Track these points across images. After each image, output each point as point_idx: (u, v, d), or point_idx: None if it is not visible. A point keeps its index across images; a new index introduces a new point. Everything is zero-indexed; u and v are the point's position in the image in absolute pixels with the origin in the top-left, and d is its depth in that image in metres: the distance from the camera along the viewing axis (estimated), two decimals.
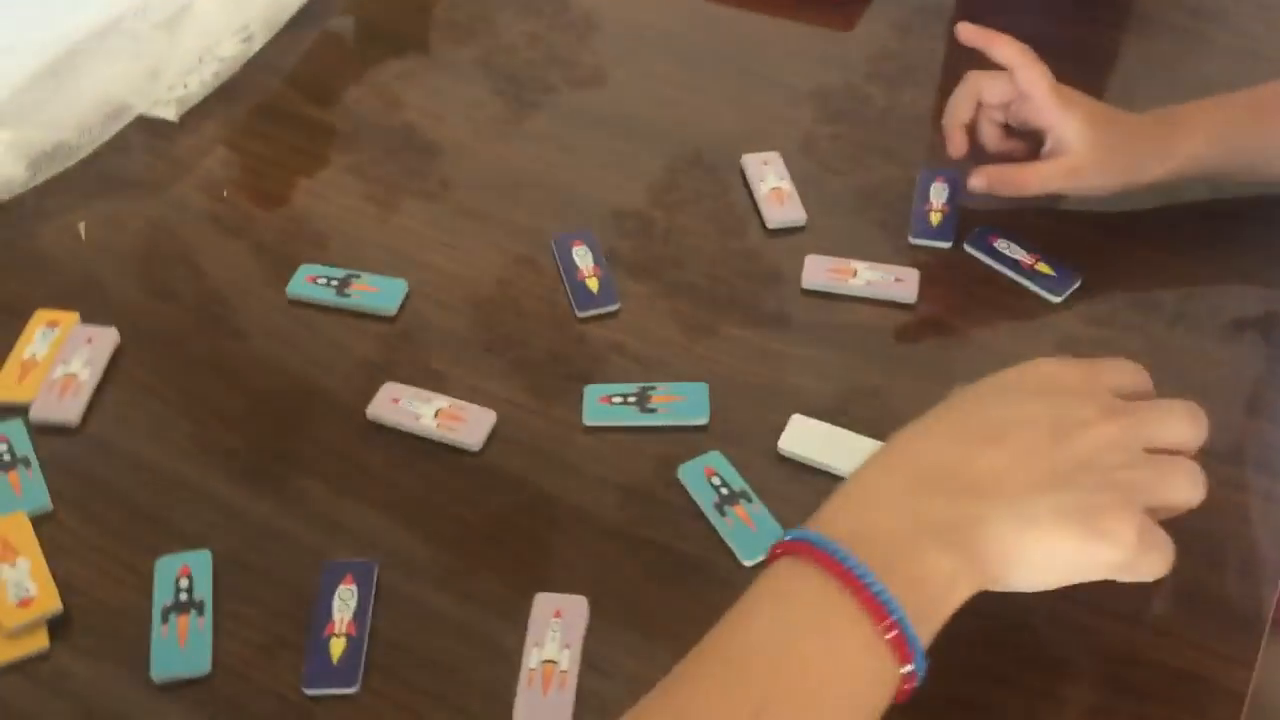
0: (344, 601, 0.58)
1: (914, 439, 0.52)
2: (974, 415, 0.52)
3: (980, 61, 0.75)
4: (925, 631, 0.46)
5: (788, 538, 0.48)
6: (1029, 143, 0.76)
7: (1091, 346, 0.69)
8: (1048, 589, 0.50)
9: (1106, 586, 0.50)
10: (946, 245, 0.75)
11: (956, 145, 0.76)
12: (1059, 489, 0.48)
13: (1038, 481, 0.49)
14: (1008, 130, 0.77)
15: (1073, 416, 0.50)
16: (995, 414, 0.51)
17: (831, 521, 0.49)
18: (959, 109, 0.76)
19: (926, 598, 0.46)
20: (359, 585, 0.59)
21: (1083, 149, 0.71)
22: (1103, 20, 0.94)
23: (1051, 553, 0.48)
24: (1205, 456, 0.53)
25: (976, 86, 0.75)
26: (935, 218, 0.76)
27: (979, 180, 0.74)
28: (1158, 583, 0.50)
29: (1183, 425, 0.52)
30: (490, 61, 0.91)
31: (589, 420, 0.66)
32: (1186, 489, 0.51)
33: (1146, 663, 0.56)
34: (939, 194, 0.78)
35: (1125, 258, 0.75)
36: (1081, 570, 0.49)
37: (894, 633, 0.44)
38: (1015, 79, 0.73)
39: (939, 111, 0.78)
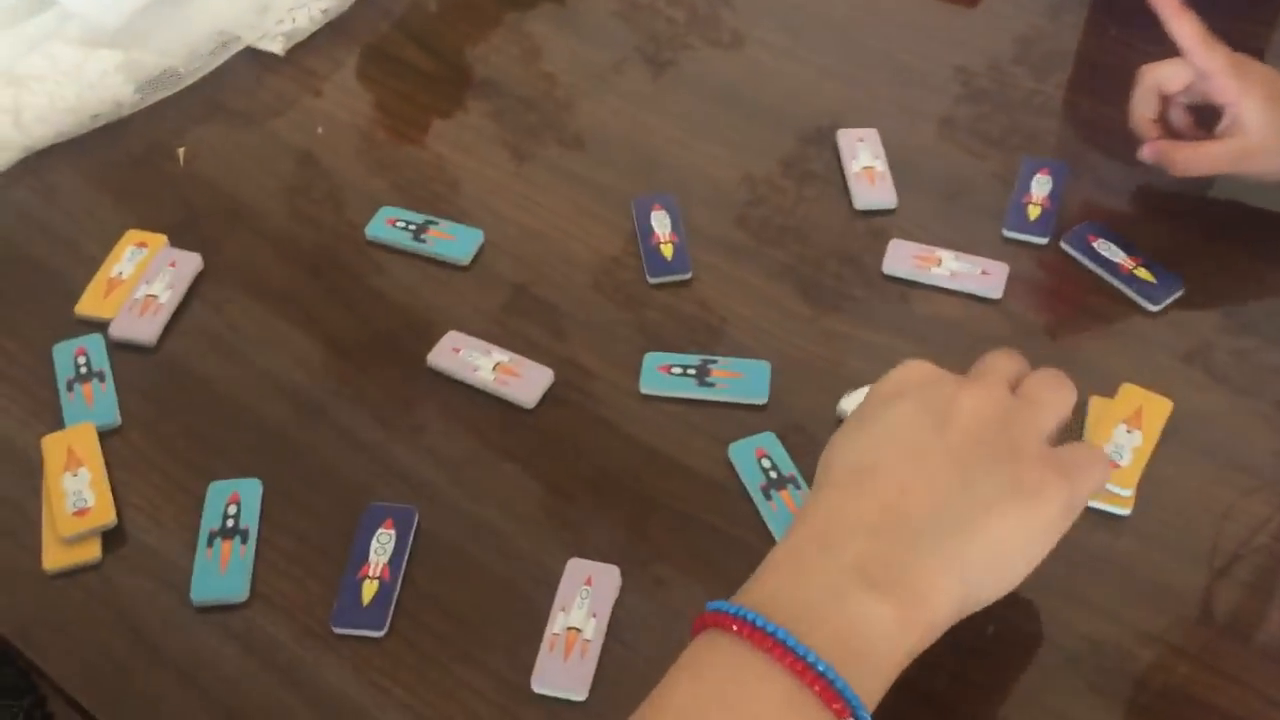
0: (381, 545, 0.59)
1: (818, 496, 0.49)
2: (857, 445, 0.50)
3: (1108, 50, 0.71)
4: (870, 678, 0.43)
5: (707, 608, 0.46)
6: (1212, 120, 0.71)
7: (1182, 362, 0.65)
8: (1019, 579, 0.48)
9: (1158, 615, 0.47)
10: (1042, 241, 0.72)
11: (1145, 155, 0.71)
12: (967, 481, 0.47)
13: (943, 485, 0.47)
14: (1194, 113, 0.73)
15: (940, 396, 0.50)
16: (875, 432, 0.50)
17: (747, 591, 0.46)
18: (1144, 106, 0.72)
19: (861, 646, 0.43)
20: (398, 530, 0.59)
21: (1259, 130, 0.67)
22: (1253, 16, 0.88)
23: (994, 548, 0.46)
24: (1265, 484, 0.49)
25: (1154, 80, 0.71)
26: (1034, 211, 0.73)
27: (1149, 152, 0.71)
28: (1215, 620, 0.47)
29: (1019, 362, 0.53)
30: (608, 15, 0.90)
31: (645, 388, 0.65)
32: (1062, 400, 0.51)
33: (1194, 701, 0.53)
34: (1041, 186, 0.74)
35: (1236, 269, 0.70)
36: (1035, 544, 0.48)
37: (819, 685, 0.42)
38: (1192, 59, 0.69)
39: (1068, 101, 0.74)
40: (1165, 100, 0.72)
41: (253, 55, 0.86)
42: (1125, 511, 0.59)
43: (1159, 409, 0.62)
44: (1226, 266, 0.70)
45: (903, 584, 0.45)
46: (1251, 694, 0.53)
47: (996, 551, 0.46)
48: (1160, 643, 0.55)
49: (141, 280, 0.71)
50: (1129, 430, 0.61)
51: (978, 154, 0.78)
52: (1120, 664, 0.54)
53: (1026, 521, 0.47)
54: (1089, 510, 0.59)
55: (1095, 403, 0.63)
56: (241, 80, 0.85)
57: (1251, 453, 0.61)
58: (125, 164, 0.80)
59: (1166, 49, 0.70)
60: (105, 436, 0.64)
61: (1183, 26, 0.68)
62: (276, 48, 0.86)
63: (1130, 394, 0.63)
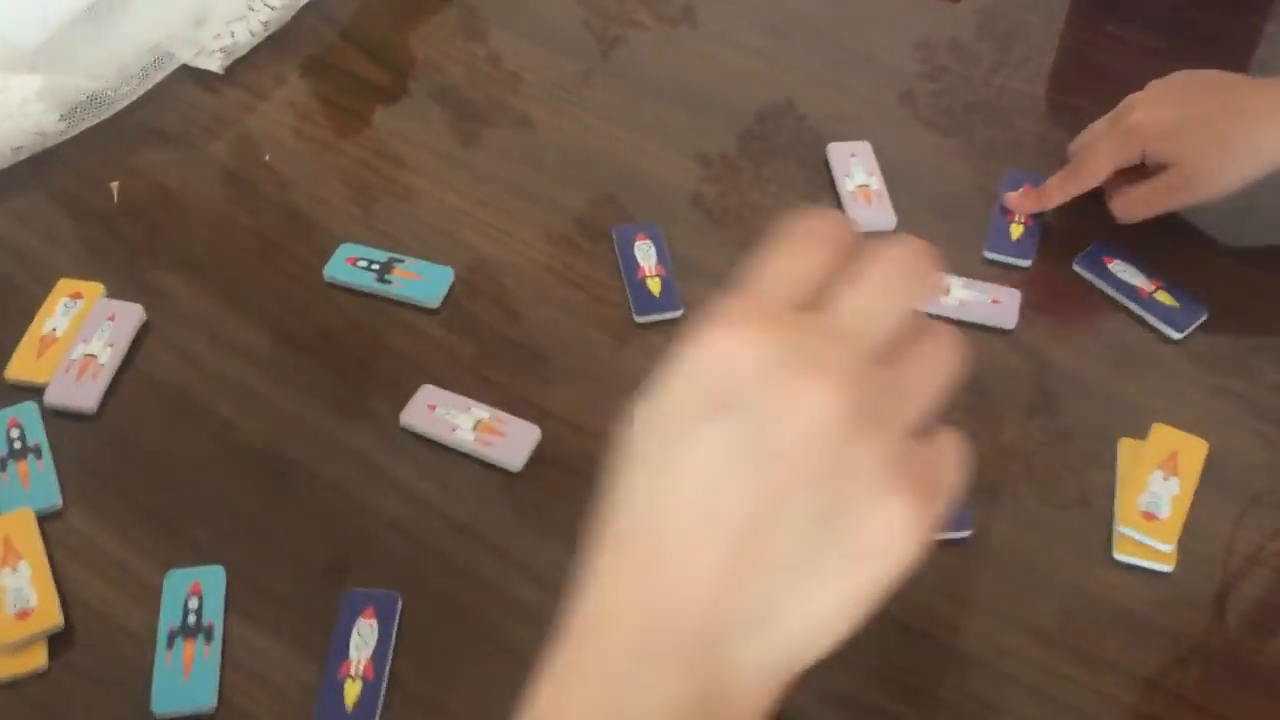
0: (363, 638, 0.53)
1: (590, 573, 0.36)
2: (637, 499, 0.35)
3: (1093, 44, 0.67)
4: None
5: None
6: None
7: (1211, 396, 0.62)
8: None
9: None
10: (1025, 264, 0.67)
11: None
12: (789, 549, 0.32)
13: (757, 560, 0.32)
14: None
15: (764, 417, 0.32)
16: (664, 480, 0.34)
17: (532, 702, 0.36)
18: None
19: None
20: (380, 620, 0.54)
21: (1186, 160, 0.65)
22: (1246, 7, 0.84)
23: (820, 628, 0.33)
24: None
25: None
26: (1016, 231, 0.68)
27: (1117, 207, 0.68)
28: None
29: (904, 284, 0.35)
30: (562, 21, 0.84)
31: None
32: (941, 374, 0.35)
33: None
34: None
35: (1260, 291, 0.66)
36: (870, 603, 0.33)
37: None
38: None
39: (1055, 101, 0.70)
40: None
41: (188, 74, 0.79)
42: (1168, 569, 0.55)
43: (1195, 451, 0.58)
44: (1250, 288, 0.67)
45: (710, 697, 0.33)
46: None
47: (824, 630, 0.33)
48: (1212, 715, 0.51)
49: (78, 338, 0.64)
50: (1165, 478, 0.57)
51: (971, 164, 0.73)
52: None
53: (864, 589, 0.33)
54: (1127, 569, 0.55)
55: (1125, 445, 0.59)
56: (177, 102, 0.78)
57: None
58: (53, 202, 0.72)
59: (1154, 41, 0.66)
60: (45, 520, 0.58)
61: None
62: (215, 65, 0.78)
63: (1163, 435, 0.59)
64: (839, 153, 0.73)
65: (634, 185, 0.73)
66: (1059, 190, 0.68)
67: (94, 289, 0.66)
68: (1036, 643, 0.53)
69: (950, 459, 0.34)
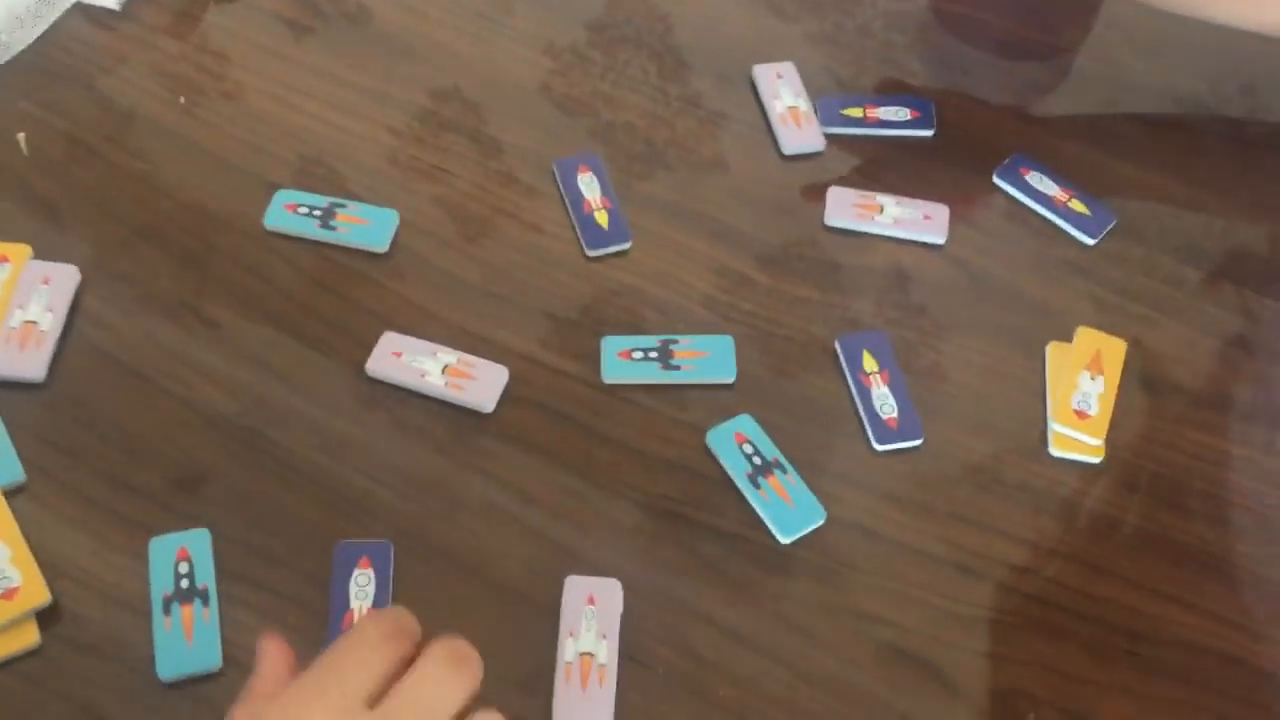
0: (361, 587, 0.55)
1: None
2: None
3: None
4: None
5: None
6: None
7: (1125, 298, 0.67)
8: None
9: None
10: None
11: None
12: None
13: None
14: None
15: None
16: None
17: None
18: None
19: None
20: (376, 568, 0.55)
21: None
22: None
23: None
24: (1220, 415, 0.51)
25: None
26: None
27: None
28: None
29: (448, 685, 0.42)
30: None
31: (609, 377, 0.62)
32: (456, 689, 0.42)
33: (1186, 644, 0.56)
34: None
35: (1165, 196, 0.72)
36: None
37: None
38: None
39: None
40: None
41: (83, 12, 0.75)
42: (1097, 460, 0.60)
43: (1115, 350, 0.63)
44: (1155, 192, 0.72)
45: None
46: (1231, 628, 0.56)
47: None
48: (1141, 588, 0.57)
49: (14, 304, 0.62)
50: (1092, 377, 0.62)
51: (892, 82, 0.76)
52: (1104, 612, 0.56)
53: None
54: (1063, 463, 0.60)
55: (1053, 349, 0.64)
56: (75, 44, 0.74)
57: (1208, 386, 0.63)
58: None
59: None
60: (10, 496, 0.56)
61: None
62: (112, 3, 0.75)
63: (1086, 338, 0.63)
64: (765, 75, 0.75)
65: (565, 116, 0.73)
66: None
67: (21, 251, 0.64)
68: (985, 533, 0.58)
69: (429, 687, 0.41)
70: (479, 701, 0.42)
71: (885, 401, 0.61)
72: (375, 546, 0.56)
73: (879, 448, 0.60)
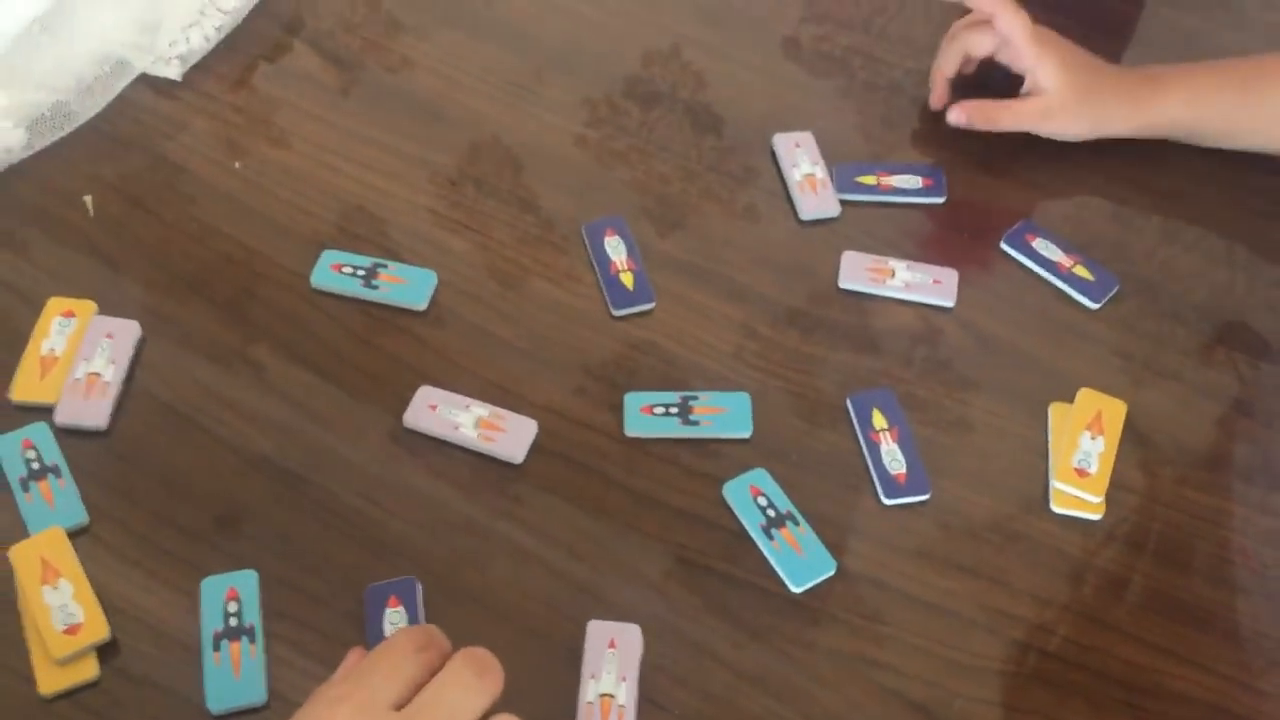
0: (394, 625, 0.58)
1: None
2: None
3: None
4: None
5: None
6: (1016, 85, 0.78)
7: (1127, 360, 0.70)
8: None
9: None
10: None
11: (939, 97, 0.79)
12: None
13: None
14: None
15: None
16: None
17: None
18: (945, 64, 0.79)
19: None
20: (405, 604, 0.59)
21: (1055, 91, 0.75)
22: None
23: None
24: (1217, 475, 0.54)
25: (963, 43, 0.78)
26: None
27: (958, 114, 0.77)
28: None
29: (471, 691, 0.46)
30: (508, 20, 0.87)
31: (631, 431, 0.65)
32: (478, 695, 0.45)
33: (1180, 697, 0.58)
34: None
35: (1166, 264, 0.75)
36: None
37: None
38: (995, 25, 0.76)
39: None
40: (968, 62, 0.79)
41: (143, 80, 0.80)
42: (1097, 517, 0.63)
43: (1115, 411, 0.66)
44: (1158, 262, 0.75)
45: None
46: (1227, 682, 0.59)
47: None
48: (1140, 642, 0.60)
49: (79, 356, 0.66)
50: (1093, 437, 0.65)
51: (903, 154, 0.80)
52: (1104, 666, 0.59)
53: None
54: (1063, 519, 0.63)
55: (1056, 410, 0.67)
56: (137, 111, 0.79)
57: (1206, 448, 0.66)
58: (27, 219, 0.74)
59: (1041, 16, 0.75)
60: (74, 537, 0.61)
61: (984, 2, 0.76)
62: (173, 73, 0.80)
63: (1087, 399, 0.67)
64: (784, 143, 0.78)
65: (599, 185, 0.77)
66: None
67: (86, 307, 0.69)
68: (988, 586, 0.61)
69: (451, 691, 0.44)
70: (498, 708, 0.46)
71: (894, 457, 0.65)
72: (401, 584, 0.59)
73: (887, 502, 0.63)
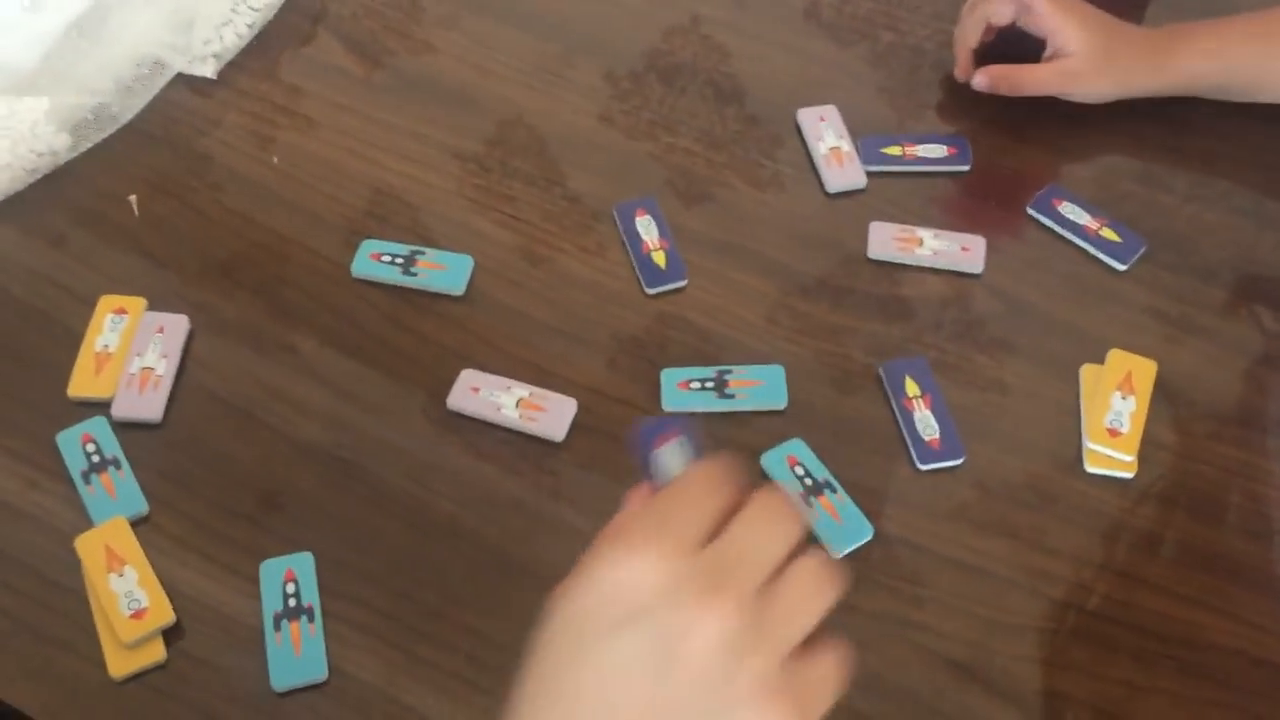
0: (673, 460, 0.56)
1: None
2: (562, 688, 0.41)
3: None
4: None
5: None
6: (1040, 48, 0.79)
7: (1155, 319, 0.70)
8: None
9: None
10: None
11: (964, 68, 0.80)
12: None
13: None
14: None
15: (673, 627, 0.39)
16: (585, 675, 0.40)
17: None
18: (968, 35, 0.79)
19: None
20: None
21: (1078, 54, 0.76)
22: None
23: None
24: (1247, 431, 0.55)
25: (984, 12, 0.78)
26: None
27: (982, 79, 0.78)
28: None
29: (778, 528, 0.42)
30: (531, 5, 0.88)
31: (668, 406, 0.67)
32: (818, 605, 0.41)
33: (1216, 647, 0.59)
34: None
35: (1192, 222, 0.75)
36: None
37: None
38: None
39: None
40: (989, 30, 0.79)
41: (182, 81, 0.82)
42: (1129, 475, 0.64)
43: (1145, 371, 0.67)
44: (1184, 219, 0.75)
45: None
46: (1260, 631, 0.60)
47: None
48: (1176, 596, 0.61)
49: (132, 352, 0.69)
50: (1124, 397, 0.66)
51: (928, 123, 0.81)
52: (1141, 620, 0.60)
53: None
54: (1097, 478, 0.64)
55: (1087, 371, 0.68)
56: (176, 110, 0.81)
57: (1236, 403, 0.67)
58: (75, 220, 0.76)
59: None
60: (136, 525, 0.63)
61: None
62: (208, 71, 0.82)
63: (1118, 360, 0.67)
64: (809, 117, 0.79)
65: (629, 166, 0.78)
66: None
67: (137, 304, 0.71)
68: (1024, 547, 0.62)
69: (827, 676, 0.41)
70: (801, 551, 0.42)
71: (927, 424, 0.66)
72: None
73: (922, 467, 0.65)
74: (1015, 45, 0.79)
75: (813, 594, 0.41)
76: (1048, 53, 0.77)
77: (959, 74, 0.80)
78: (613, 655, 0.40)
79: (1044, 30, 0.77)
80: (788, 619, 0.41)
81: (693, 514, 0.42)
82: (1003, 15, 0.78)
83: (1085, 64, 0.76)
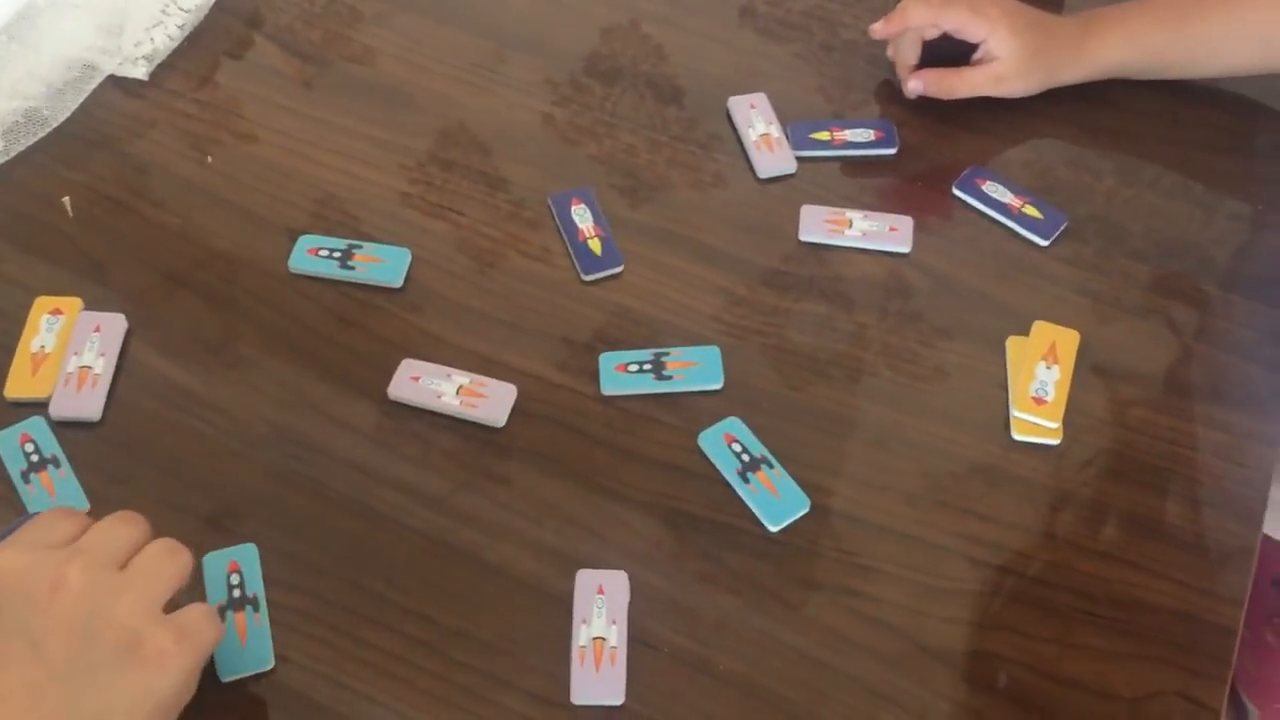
0: None
1: None
2: None
3: None
4: None
5: None
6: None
7: (1079, 294, 0.73)
8: None
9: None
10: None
11: (912, 88, 0.81)
12: (86, 686, 0.48)
13: (65, 692, 0.48)
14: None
15: (31, 609, 0.48)
16: None
17: None
18: (906, 55, 0.81)
19: None
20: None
21: (1007, 57, 0.78)
22: None
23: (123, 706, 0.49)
24: (1170, 397, 0.57)
25: (917, 31, 0.80)
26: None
27: (916, 83, 0.80)
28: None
29: (124, 527, 0.53)
30: (466, 2, 0.89)
31: (607, 389, 0.68)
32: (177, 568, 0.52)
33: (1146, 605, 0.61)
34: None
35: (1110, 198, 0.78)
36: (166, 708, 0.50)
37: None
38: (940, 23, 0.79)
39: None
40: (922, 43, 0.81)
41: (113, 83, 0.82)
42: (1055, 442, 0.66)
43: (1069, 341, 0.69)
44: (1101, 195, 0.78)
45: None
46: (1184, 588, 0.62)
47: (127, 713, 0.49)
48: (1104, 556, 0.63)
49: (69, 351, 0.68)
50: (1048, 366, 0.68)
51: (860, 112, 0.83)
52: (1070, 580, 0.62)
53: (151, 690, 0.49)
54: (1025, 446, 0.66)
55: (1013, 343, 0.70)
56: (106, 112, 0.81)
57: (1159, 371, 0.69)
58: (9, 223, 0.75)
59: None
60: None
61: (916, 16, 0.79)
62: (140, 73, 0.82)
63: (1042, 331, 0.69)
64: (739, 105, 0.81)
65: (556, 155, 0.80)
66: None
67: (73, 304, 0.71)
68: (959, 515, 0.64)
69: (198, 619, 0.52)
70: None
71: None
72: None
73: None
74: (947, 47, 0.80)
75: (163, 559, 0.52)
76: (977, 55, 0.80)
77: (909, 94, 0.81)
78: None
79: (975, 38, 0.79)
80: (147, 577, 0.51)
81: (48, 527, 0.52)
82: (933, 32, 0.80)
83: (1014, 67, 0.78)
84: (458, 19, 0.87)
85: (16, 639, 0.48)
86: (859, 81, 0.84)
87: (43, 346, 0.69)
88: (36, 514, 0.54)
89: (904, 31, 0.80)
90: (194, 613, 0.52)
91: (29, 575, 0.49)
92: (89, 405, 0.67)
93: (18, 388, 0.67)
